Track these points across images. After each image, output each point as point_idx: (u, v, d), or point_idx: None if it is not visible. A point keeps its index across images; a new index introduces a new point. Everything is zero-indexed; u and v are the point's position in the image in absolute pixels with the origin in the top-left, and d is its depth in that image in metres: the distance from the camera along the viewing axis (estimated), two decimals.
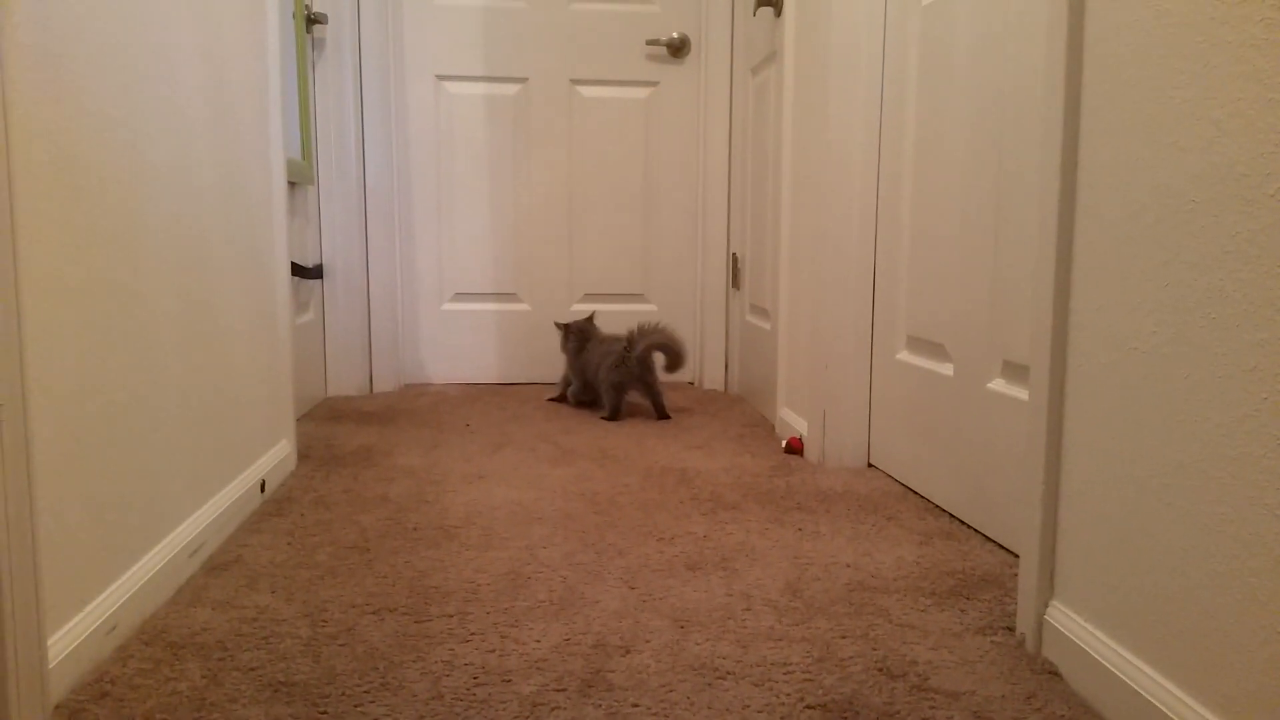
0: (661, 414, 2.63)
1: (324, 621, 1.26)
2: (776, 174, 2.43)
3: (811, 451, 2.13)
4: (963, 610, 1.31)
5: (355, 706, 1.03)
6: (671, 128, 3.18)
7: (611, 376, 2.59)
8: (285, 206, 1.99)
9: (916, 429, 1.87)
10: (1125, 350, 1.01)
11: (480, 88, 3.10)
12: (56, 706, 1.03)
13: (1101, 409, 1.06)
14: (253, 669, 1.12)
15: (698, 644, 1.19)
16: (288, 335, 2.02)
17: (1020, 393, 1.49)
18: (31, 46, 1.01)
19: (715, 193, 3.15)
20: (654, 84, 3.15)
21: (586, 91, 3.14)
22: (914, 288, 1.87)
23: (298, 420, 2.49)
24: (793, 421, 2.29)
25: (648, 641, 1.20)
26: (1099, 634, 1.06)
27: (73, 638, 1.08)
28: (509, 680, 1.10)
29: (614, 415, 2.59)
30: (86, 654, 1.11)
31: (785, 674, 1.11)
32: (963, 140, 1.67)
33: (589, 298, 3.22)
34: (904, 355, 1.92)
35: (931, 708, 1.04)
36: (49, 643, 1.03)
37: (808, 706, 1.04)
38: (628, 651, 1.17)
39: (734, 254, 3.10)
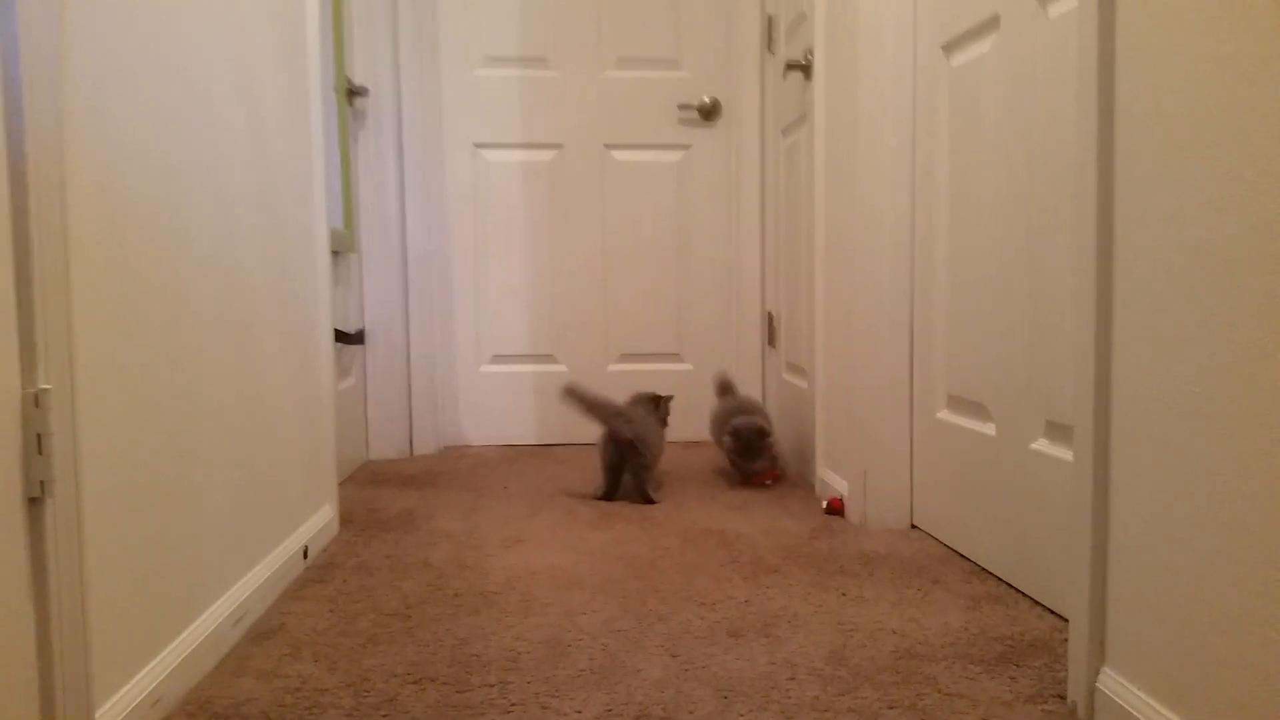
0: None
1: (366, 691, 1.25)
2: (810, 233, 2.44)
3: (853, 512, 2.11)
4: (1013, 678, 1.28)
5: None
6: (704, 189, 3.22)
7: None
8: (329, 276, 2.04)
9: (960, 490, 1.84)
10: (1168, 409, 1.00)
11: (517, 154, 3.17)
12: None
13: (1147, 468, 1.04)
14: None
15: (741, 715, 1.17)
16: (331, 402, 2.05)
17: (1064, 453, 1.47)
18: (83, 129, 1.05)
19: (749, 252, 3.17)
20: (686, 147, 3.20)
21: (620, 155, 3.19)
22: (952, 347, 1.86)
23: (340, 484, 2.52)
24: (833, 482, 2.27)
25: (690, 712, 1.18)
26: (1152, 702, 1.03)
27: (119, 711, 1.09)
28: None
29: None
30: None
31: None
32: (995, 198, 1.67)
33: (625, 358, 3.24)
34: (944, 414, 1.90)
35: None
36: (97, 716, 1.04)
37: None
38: None
39: (769, 313, 3.11)
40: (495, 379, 3.21)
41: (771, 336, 3.08)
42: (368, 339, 2.97)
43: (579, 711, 1.19)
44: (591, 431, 3.20)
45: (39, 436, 0.95)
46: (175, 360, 1.27)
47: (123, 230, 1.13)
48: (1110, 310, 1.11)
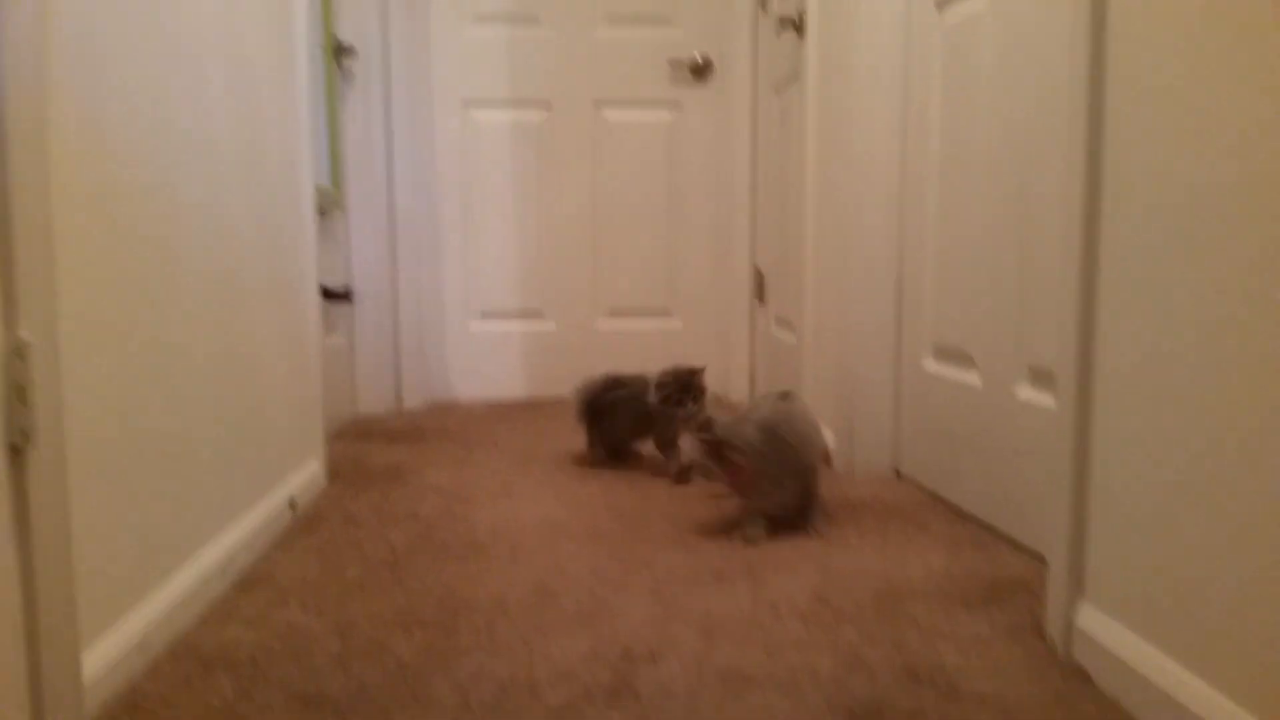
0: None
1: (354, 636, 1.27)
2: (800, 190, 2.43)
3: (839, 462, 2.13)
4: (992, 615, 1.29)
5: (384, 718, 1.04)
6: (695, 147, 3.20)
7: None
8: (314, 233, 2.02)
9: (944, 437, 1.85)
10: (1153, 354, 1.00)
11: (506, 113, 3.14)
12: None
13: (1129, 413, 1.05)
14: (283, 683, 1.13)
15: (724, 652, 1.19)
16: (317, 357, 2.04)
17: (1048, 400, 1.48)
18: (70, 83, 1.04)
19: (739, 209, 3.16)
20: (677, 105, 3.17)
21: (610, 114, 3.17)
22: (940, 298, 1.87)
23: (328, 439, 2.52)
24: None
25: (674, 650, 1.20)
26: (1129, 635, 1.05)
27: (105, 654, 1.10)
28: (536, 691, 1.10)
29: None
30: (119, 670, 1.12)
31: (812, 680, 1.11)
32: (987, 152, 1.67)
33: (614, 314, 3.24)
34: (930, 365, 1.91)
35: (960, 711, 1.03)
36: (83, 658, 1.05)
37: (835, 712, 1.03)
38: (654, 661, 1.17)
39: (759, 269, 3.10)
40: (484, 335, 3.21)
41: (760, 293, 3.08)
42: (355, 297, 2.96)
43: (565, 653, 1.20)
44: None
45: (21, 387, 0.94)
46: (161, 312, 1.27)
47: (108, 181, 1.12)
48: (1096, 255, 1.11)
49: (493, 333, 3.21)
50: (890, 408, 2.06)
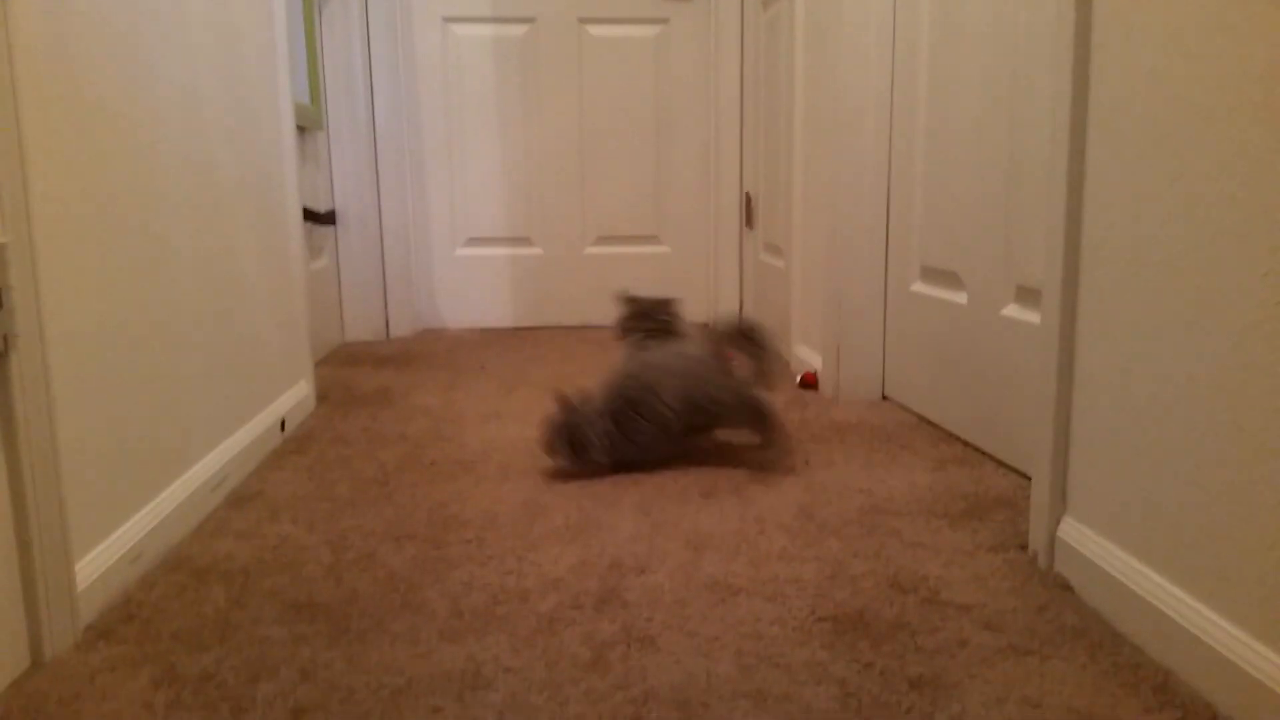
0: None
1: (345, 548, 1.28)
2: (789, 109, 2.40)
3: (826, 386, 2.14)
4: (975, 530, 1.31)
5: (377, 624, 1.06)
6: (682, 66, 3.14)
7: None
8: (295, 149, 1.99)
9: (931, 359, 1.86)
10: (1137, 265, 1.00)
11: (488, 29, 3.07)
12: (87, 627, 1.06)
13: (1113, 325, 1.05)
14: (276, 592, 1.14)
15: (711, 564, 1.21)
16: (302, 278, 2.02)
17: (1033, 317, 1.48)
18: None
19: (728, 131, 3.11)
20: (664, 21, 3.11)
21: (595, 30, 3.10)
22: (928, 218, 1.86)
23: (316, 364, 2.51)
24: (807, 357, 2.29)
25: (662, 562, 1.22)
26: (1110, 547, 1.07)
27: (99, 564, 1.11)
28: (526, 599, 1.12)
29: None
30: (113, 580, 1.13)
31: (797, 590, 1.13)
32: (976, 66, 1.64)
33: (602, 240, 3.21)
34: (918, 286, 1.91)
35: (942, 619, 1.05)
36: (76, 567, 1.06)
37: (819, 619, 1.06)
38: (642, 572, 1.19)
39: (747, 193, 3.08)
40: (471, 262, 3.18)
41: (749, 217, 3.06)
42: (339, 220, 2.93)
43: (554, 563, 1.22)
44: (567, 314, 3.22)
45: None
46: (145, 225, 1.25)
47: (83, 98, 1.09)
48: (1083, 168, 1.10)
49: (480, 258, 3.18)
50: (878, 331, 2.06)
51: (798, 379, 2.23)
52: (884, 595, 1.12)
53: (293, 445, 1.78)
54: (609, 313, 3.20)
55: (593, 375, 2.37)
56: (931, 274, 1.86)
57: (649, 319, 1.90)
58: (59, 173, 1.05)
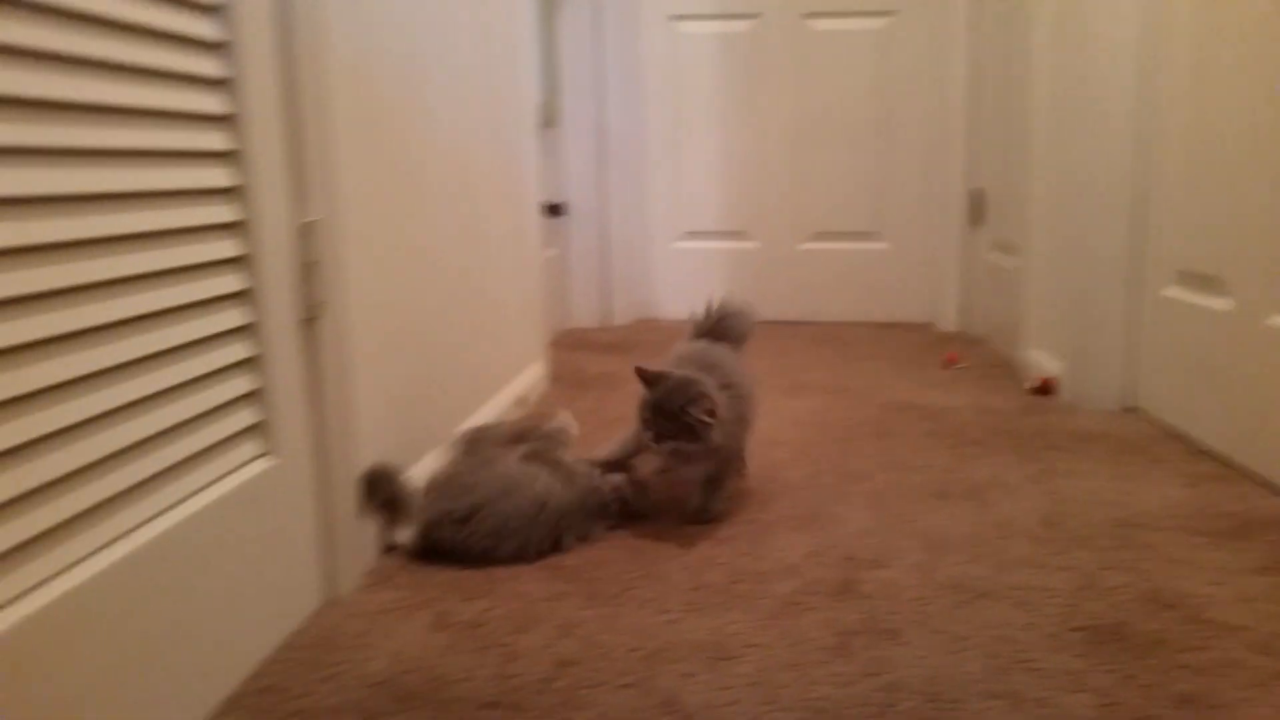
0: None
1: None
2: (1025, 99, 2.30)
3: (1065, 392, 2.04)
4: (1240, 550, 1.23)
5: (625, 590, 1.11)
6: (907, 58, 3.06)
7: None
8: (537, 146, 2.10)
9: (1184, 368, 1.74)
10: None
11: (713, 26, 3.11)
12: (368, 572, 1.17)
13: None
14: None
15: (951, 565, 1.19)
16: (539, 266, 2.14)
17: None
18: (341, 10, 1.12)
19: (954, 125, 3.01)
20: (890, 13, 3.05)
21: (819, 24, 3.08)
22: (1186, 220, 1.74)
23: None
24: (1042, 362, 2.19)
25: (898, 559, 1.21)
26: None
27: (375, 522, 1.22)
28: (764, 581, 1.14)
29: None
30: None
31: (1047, 598, 1.09)
32: (1249, 56, 1.52)
33: (818, 236, 3.19)
34: (1172, 291, 1.79)
35: (1207, 638, 1.00)
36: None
37: (1074, 629, 1.02)
38: (879, 566, 1.19)
39: (975, 189, 2.97)
40: (688, 254, 3.24)
41: (976, 214, 2.96)
42: (568, 212, 3.06)
43: (786, 550, 1.24)
44: (782, 309, 3.22)
45: (311, 263, 1.05)
46: (418, 210, 1.37)
47: (373, 99, 1.21)
48: None
49: (696, 251, 3.24)
50: (1122, 336, 1.95)
51: (1032, 384, 2.14)
52: (1143, 610, 1.06)
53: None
54: (823, 308, 3.18)
55: (812, 369, 2.36)
56: (1189, 278, 1.74)
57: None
58: (354, 163, 1.17)
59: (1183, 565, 1.18)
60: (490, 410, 1.72)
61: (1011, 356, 2.43)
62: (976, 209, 2.95)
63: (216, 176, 0.90)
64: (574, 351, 2.66)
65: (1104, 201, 1.91)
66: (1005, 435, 1.78)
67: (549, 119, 2.82)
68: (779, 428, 1.84)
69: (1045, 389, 2.10)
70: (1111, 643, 0.99)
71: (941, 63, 3.01)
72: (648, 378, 1.31)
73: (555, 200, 2.94)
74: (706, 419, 1.23)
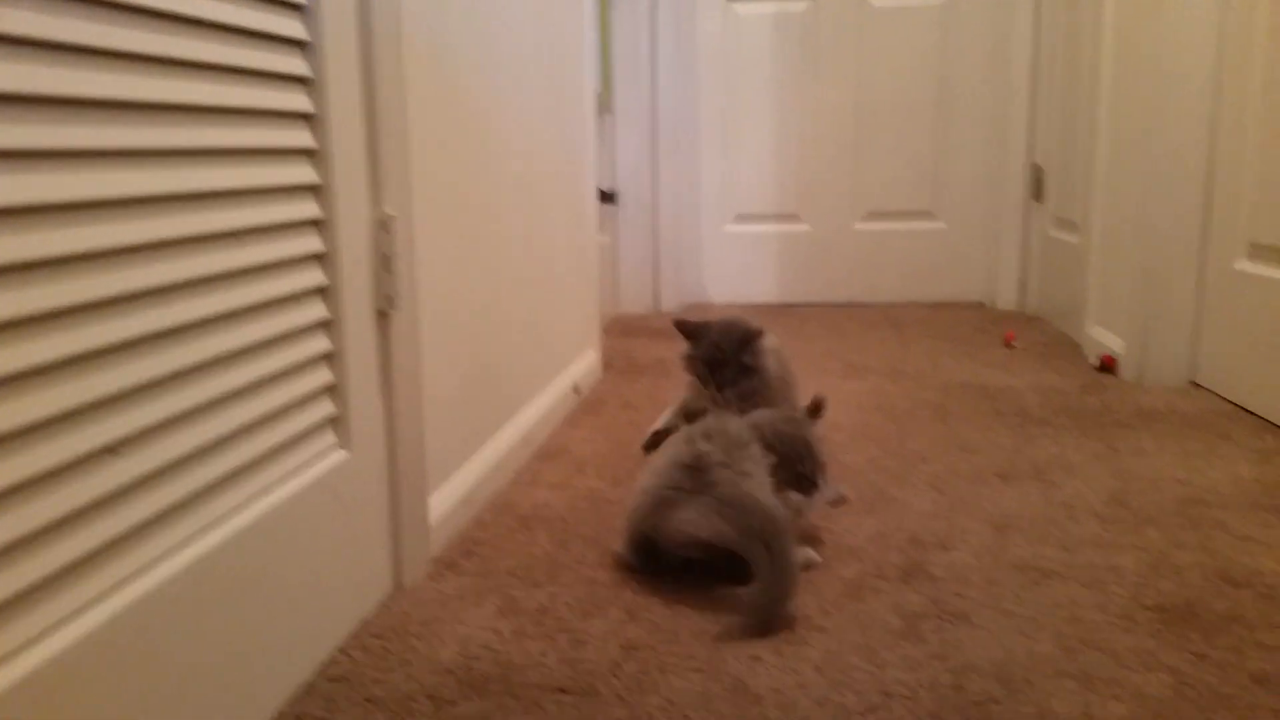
0: None
1: None
2: (1091, 72, 2.25)
3: (1128, 369, 2.00)
4: None
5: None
6: (969, 34, 3.01)
7: None
8: (595, 134, 2.11)
9: (1256, 344, 1.70)
10: None
11: (769, 6, 3.09)
12: (434, 559, 1.19)
13: None
14: (592, 539, 1.24)
15: (1018, 546, 1.18)
16: (595, 253, 2.15)
17: None
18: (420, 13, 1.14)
19: (1016, 100, 2.96)
20: None
21: (878, 2, 3.04)
22: (1262, 192, 1.69)
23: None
24: (1105, 339, 2.15)
25: (965, 541, 1.20)
26: None
27: (442, 504, 1.25)
28: (829, 565, 1.14)
29: None
30: (451, 520, 1.27)
31: (1116, 577, 1.08)
32: None
33: (872, 216, 3.16)
34: (1244, 264, 1.75)
35: None
36: (428, 502, 1.20)
37: (1145, 608, 1.01)
38: (945, 549, 1.18)
39: (1036, 165, 2.92)
40: (739, 238, 3.23)
41: (1037, 190, 2.90)
42: (619, 198, 3.07)
43: (852, 532, 1.24)
44: (835, 291, 3.19)
45: (387, 256, 1.07)
46: (484, 205, 1.38)
47: (443, 95, 1.23)
48: None
49: (747, 235, 3.23)
50: (1190, 312, 1.91)
51: (1094, 361, 2.11)
52: (1214, 588, 1.05)
53: (586, 407, 1.90)
54: (877, 289, 3.16)
55: (866, 351, 2.35)
56: (1263, 251, 1.69)
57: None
58: (426, 156, 1.19)
59: (1253, 543, 1.16)
60: (545, 398, 1.74)
61: (1070, 334, 2.40)
62: (1037, 183, 2.90)
63: (302, 173, 0.92)
64: (625, 338, 2.67)
65: (1173, 175, 1.87)
66: (1067, 414, 1.75)
67: (602, 106, 2.82)
68: (837, 411, 1.83)
69: (1108, 366, 2.06)
70: (1183, 622, 0.98)
71: (1005, 38, 2.96)
72: (688, 330, 1.32)
73: (606, 187, 2.95)
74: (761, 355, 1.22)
